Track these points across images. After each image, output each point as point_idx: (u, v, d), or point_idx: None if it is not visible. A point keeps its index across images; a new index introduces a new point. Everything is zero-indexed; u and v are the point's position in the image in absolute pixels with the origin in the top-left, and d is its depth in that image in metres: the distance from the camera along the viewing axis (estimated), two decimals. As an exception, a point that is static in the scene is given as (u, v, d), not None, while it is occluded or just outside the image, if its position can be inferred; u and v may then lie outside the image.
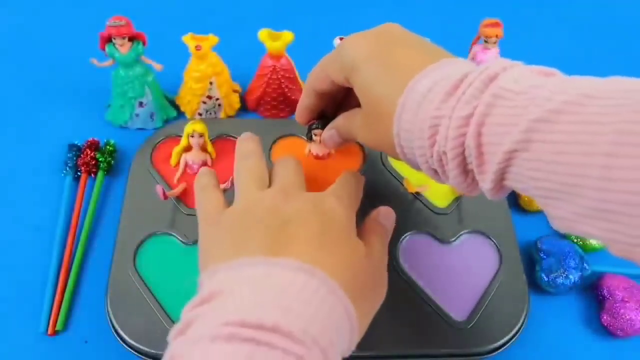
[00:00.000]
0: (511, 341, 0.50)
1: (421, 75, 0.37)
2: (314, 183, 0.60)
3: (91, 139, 0.64)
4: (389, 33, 0.42)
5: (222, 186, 0.58)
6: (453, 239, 0.56)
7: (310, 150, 0.62)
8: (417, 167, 0.40)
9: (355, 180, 0.48)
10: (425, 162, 0.37)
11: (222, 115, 0.68)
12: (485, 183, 0.35)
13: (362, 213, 0.58)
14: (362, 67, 0.40)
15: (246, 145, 0.48)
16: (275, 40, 0.63)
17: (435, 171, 0.38)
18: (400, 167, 0.62)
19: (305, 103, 0.49)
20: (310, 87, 0.47)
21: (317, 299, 0.33)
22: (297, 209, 0.40)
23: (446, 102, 0.34)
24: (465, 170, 0.36)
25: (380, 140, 0.40)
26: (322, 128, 0.60)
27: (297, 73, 0.66)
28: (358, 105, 0.43)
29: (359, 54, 0.40)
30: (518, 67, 0.34)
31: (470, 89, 0.34)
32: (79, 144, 0.63)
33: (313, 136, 0.61)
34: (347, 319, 0.35)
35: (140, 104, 0.65)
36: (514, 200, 0.61)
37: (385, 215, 0.48)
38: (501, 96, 0.32)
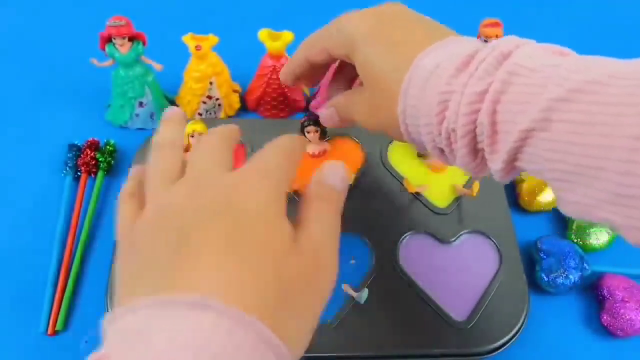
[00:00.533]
0: (511, 341, 0.50)
1: (428, 50, 0.35)
2: (309, 180, 0.60)
3: (91, 139, 0.64)
4: (392, 10, 0.41)
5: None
6: (453, 239, 0.56)
7: (305, 149, 0.62)
8: (422, 147, 0.38)
9: (290, 143, 0.36)
10: (432, 140, 0.36)
11: (222, 115, 0.68)
12: (496, 163, 0.33)
13: (361, 213, 0.58)
14: (364, 44, 0.38)
15: (162, 133, 0.38)
16: (275, 40, 0.63)
17: (442, 151, 0.36)
18: (400, 167, 0.62)
19: (295, 70, 0.47)
20: (303, 56, 0.45)
21: (215, 343, 0.23)
22: (201, 208, 0.29)
23: (457, 78, 0.33)
24: (474, 149, 0.34)
25: (383, 120, 0.39)
26: (315, 125, 0.60)
27: (297, 73, 0.66)
28: (352, 79, 0.42)
29: (360, 31, 0.39)
30: (531, 44, 0.33)
31: (484, 64, 0.32)
32: (79, 144, 0.63)
33: (306, 134, 0.61)
34: (263, 350, 0.25)
35: (140, 104, 0.65)
36: (514, 200, 0.61)
37: (330, 172, 0.36)
38: (517, 73, 0.31)
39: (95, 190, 0.60)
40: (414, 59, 0.35)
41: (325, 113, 0.47)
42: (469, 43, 0.36)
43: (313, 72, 0.47)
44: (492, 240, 0.56)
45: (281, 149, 0.35)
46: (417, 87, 0.35)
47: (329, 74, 0.50)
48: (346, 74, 0.48)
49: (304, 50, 0.45)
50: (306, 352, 0.49)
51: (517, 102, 0.31)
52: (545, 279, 0.54)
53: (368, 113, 0.41)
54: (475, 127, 0.33)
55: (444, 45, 0.36)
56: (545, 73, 0.31)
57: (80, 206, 0.59)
